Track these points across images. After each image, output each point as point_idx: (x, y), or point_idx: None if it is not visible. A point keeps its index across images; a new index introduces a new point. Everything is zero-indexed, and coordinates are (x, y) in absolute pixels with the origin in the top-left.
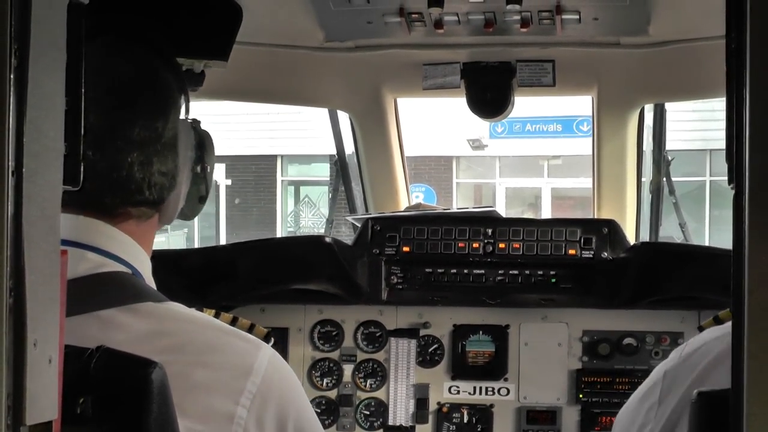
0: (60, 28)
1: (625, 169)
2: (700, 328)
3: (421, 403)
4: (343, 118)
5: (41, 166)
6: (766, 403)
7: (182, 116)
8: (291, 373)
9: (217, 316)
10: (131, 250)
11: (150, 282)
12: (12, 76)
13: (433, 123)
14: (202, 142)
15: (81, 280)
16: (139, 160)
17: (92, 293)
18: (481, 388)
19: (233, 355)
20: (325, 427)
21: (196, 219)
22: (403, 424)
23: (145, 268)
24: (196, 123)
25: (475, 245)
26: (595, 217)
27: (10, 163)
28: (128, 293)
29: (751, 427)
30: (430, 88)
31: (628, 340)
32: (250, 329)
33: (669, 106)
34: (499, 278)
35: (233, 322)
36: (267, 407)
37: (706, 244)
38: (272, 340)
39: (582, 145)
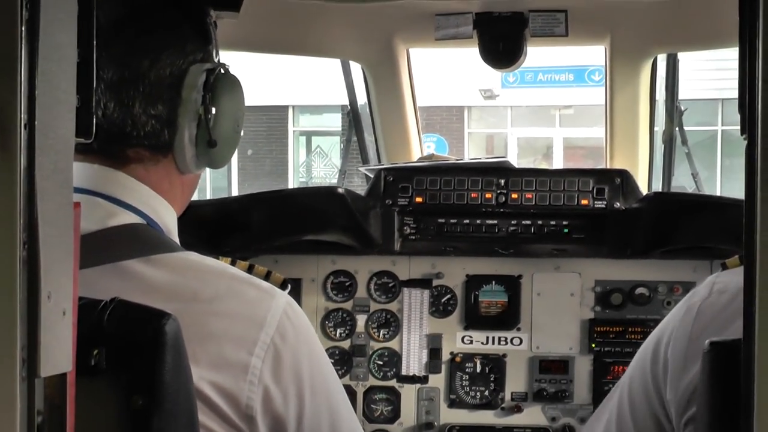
0: None
1: (637, 119)
2: (723, 265)
3: (434, 353)
4: (356, 68)
5: (53, 118)
6: None
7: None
8: (306, 322)
9: (233, 264)
10: (144, 198)
11: (170, 231)
12: (23, 29)
13: (444, 72)
14: (214, 85)
15: (97, 234)
16: (116, 100)
17: (108, 246)
18: (493, 337)
19: (246, 304)
20: (338, 377)
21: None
22: (417, 374)
23: (162, 217)
24: (215, 67)
25: (488, 196)
26: (608, 167)
27: (22, 116)
28: (143, 245)
29: (762, 377)
30: (443, 39)
31: (640, 290)
32: (267, 276)
33: (682, 56)
34: (511, 228)
35: (249, 269)
36: (282, 358)
37: (718, 192)
38: (289, 287)
39: (594, 95)
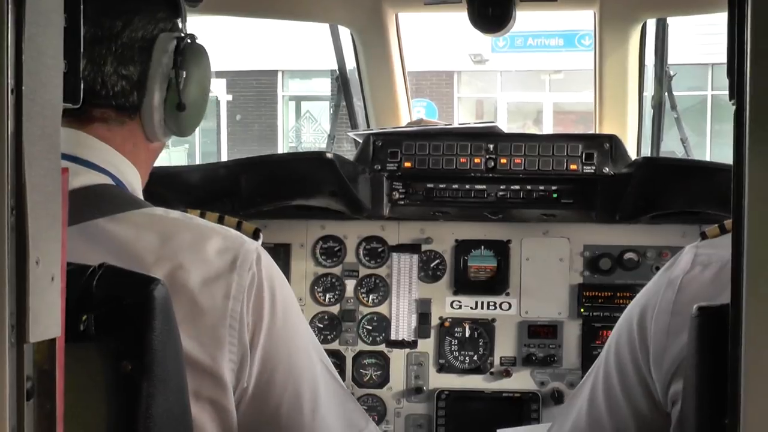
0: None
1: (626, 84)
2: (703, 235)
3: (423, 317)
4: (344, 33)
5: (41, 83)
6: (764, 320)
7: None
8: (278, 269)
9: (202, 216)
10: (108, 157)
11: (135, 190)
12: None
13: (434, 37)
14: (184, 51)
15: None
16: (88, 58)
17: (74, 207)
18: (482, 302)
19: (214, 251)
20: (327, 342)
21: (197, 135)
22: (406, 339)
23: (126, 176)
24: (184, 36)
25: (477, 160)
26: (597, 132)
27: (9, 81)
28: (109, 204)
29: (749, 342)
30: (432, 3)
31: (629, 255)
32: (238, 226)
33: (671, 20)
34: (500, 193)
35: (220, 220)
36: (257, 298)
37: (707, 158)
38: (261, 237)
39: (584, 60)
